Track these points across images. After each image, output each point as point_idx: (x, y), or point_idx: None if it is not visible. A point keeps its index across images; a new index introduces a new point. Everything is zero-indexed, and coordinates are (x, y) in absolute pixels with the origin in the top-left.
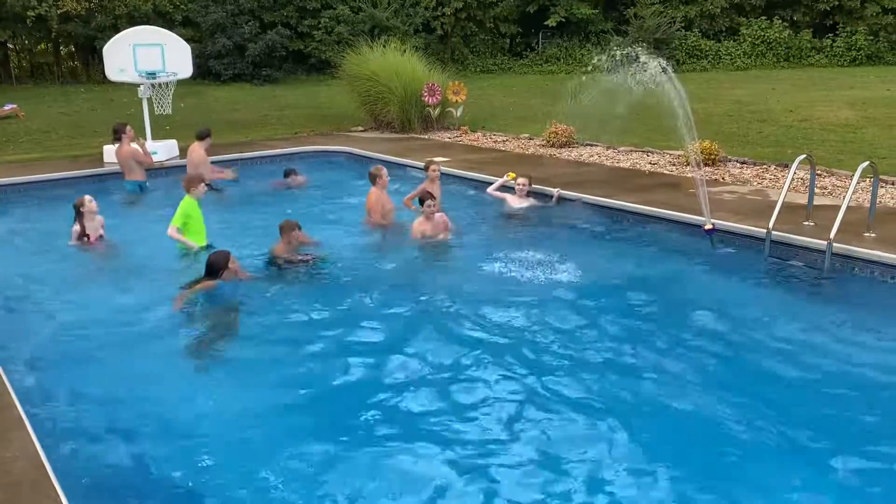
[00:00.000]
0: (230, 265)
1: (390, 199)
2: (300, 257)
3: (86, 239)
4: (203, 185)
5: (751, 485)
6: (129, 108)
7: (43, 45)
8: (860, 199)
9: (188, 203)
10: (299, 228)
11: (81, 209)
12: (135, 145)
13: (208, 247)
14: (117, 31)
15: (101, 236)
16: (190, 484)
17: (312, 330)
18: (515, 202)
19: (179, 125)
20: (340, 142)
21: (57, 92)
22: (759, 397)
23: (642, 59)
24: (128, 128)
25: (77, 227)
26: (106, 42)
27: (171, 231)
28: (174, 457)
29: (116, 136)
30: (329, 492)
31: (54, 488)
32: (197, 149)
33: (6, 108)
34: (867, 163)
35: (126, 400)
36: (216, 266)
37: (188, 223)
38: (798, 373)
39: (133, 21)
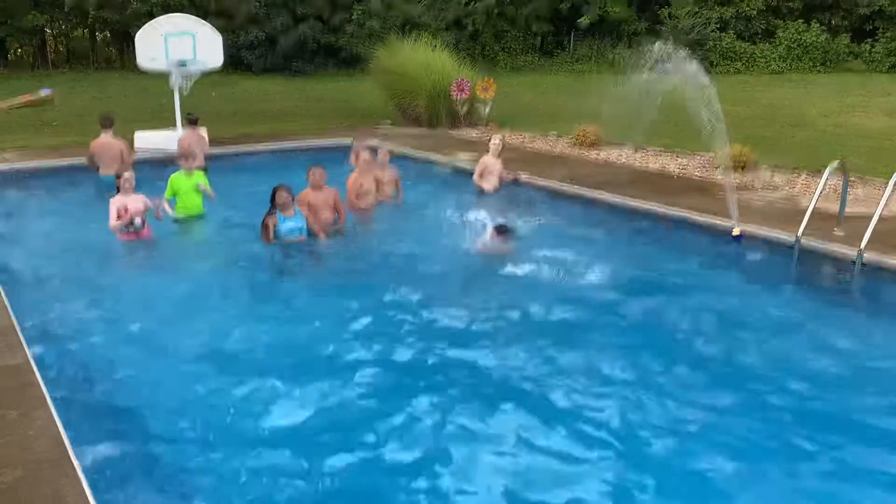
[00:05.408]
0: (285, 199)
1: (370, 182)
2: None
3: (125, 213)
4: (184, 160)
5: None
6: (161, 97)
7: (79, 32)
8: (894, 209)
9: (171, 178)
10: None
11: (117, 182)
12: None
13: (198, 216)
14: (152, 18)
15: (143, 221)
16: (206, 465)
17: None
18: (488, 186)
19: (209, 115)
20: (368, 136)
21: (92, 78)
22: (781, 407)
23: (676, 60)
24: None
25: (117, 201)
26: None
27: (164, 204)
28: (195, 439)
29: (108, 123)
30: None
31: (74, 467)
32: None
33: (42, 92)
34: None
35: (150, 381)
36: (273, 195)
37: (179, 195)
38: (821, 383)
39: (168, 9)
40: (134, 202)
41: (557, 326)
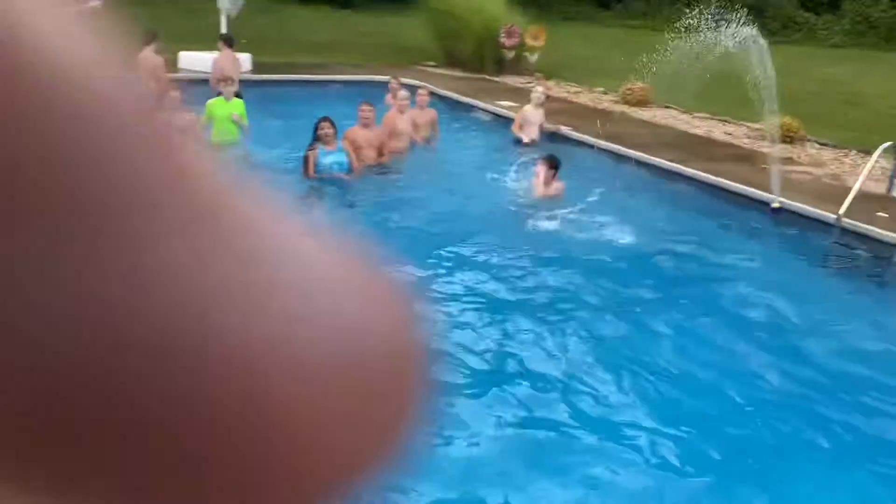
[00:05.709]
0: (327, 131)
1: (406, 123)
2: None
3: None
4: (223, 84)
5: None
6: (208, 18)
7: None
8: None
9: (209, 103)
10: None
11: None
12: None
13: (232, 144)
14: None
15: None
16: None
17: None
18: (526, 137)
19: (255, 41)
20: (411, 75)
21: None
22: (806, 388)
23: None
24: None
25: None
26: None
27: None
28: None
29: (149, 39)
30: None
31: None
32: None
33: (91, 3)
34: None
35: None
36: (315, 127)
37: (214, 121)
38: (852, 368)
39: None
40: (178, 121)
41: (579, 284)
